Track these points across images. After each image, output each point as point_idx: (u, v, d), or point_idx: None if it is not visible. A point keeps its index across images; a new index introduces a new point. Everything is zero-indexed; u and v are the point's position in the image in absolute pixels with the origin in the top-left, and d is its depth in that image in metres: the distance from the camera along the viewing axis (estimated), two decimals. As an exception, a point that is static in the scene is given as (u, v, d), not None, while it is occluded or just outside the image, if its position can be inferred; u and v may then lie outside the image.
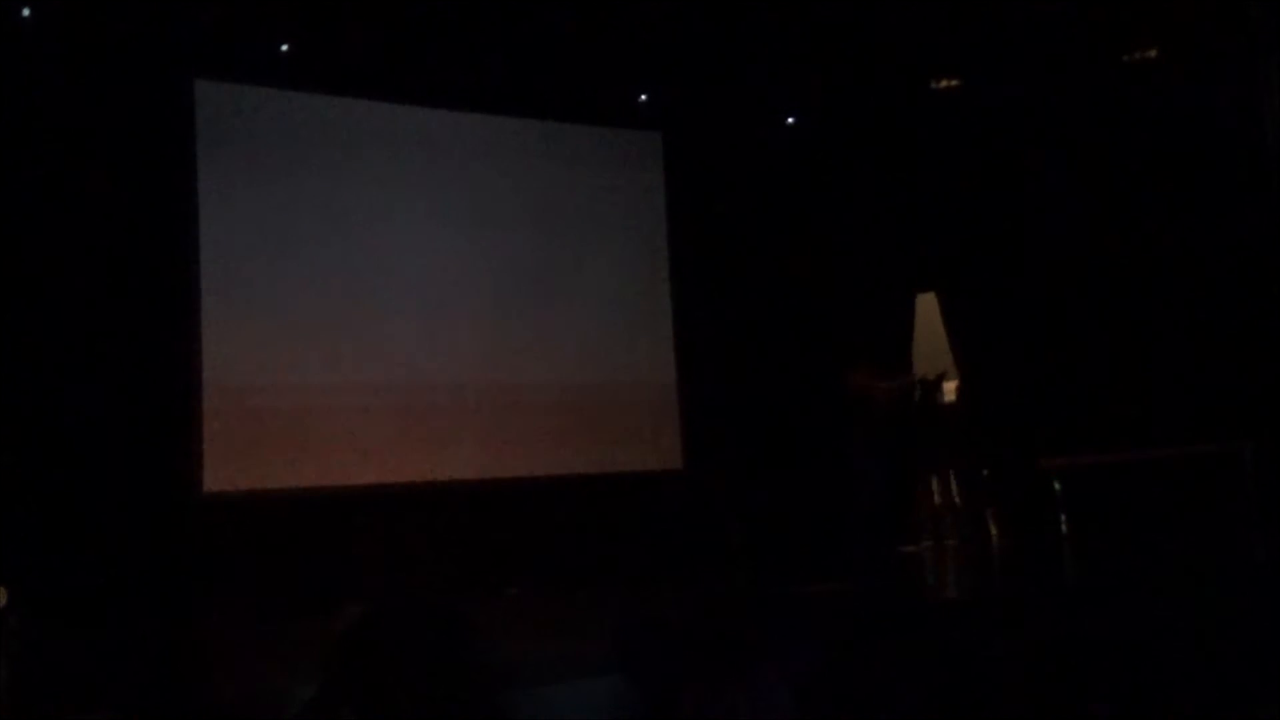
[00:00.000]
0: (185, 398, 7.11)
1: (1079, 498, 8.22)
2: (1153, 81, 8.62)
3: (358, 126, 7.89)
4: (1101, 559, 7.24)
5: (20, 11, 6.75)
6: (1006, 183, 9.01)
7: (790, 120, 9.23)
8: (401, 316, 7.83)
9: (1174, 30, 8.46)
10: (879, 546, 7.13)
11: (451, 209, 8.13)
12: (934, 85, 8.92)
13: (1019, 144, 8.95)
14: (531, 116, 8.46)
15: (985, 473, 8.76)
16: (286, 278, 7.52)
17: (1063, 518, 8.25)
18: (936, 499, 8.70)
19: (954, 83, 8.90)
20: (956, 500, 8.72)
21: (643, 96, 8.76)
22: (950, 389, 9.18)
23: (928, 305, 9.34)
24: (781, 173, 9.14)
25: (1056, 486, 8.27)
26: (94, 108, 6.93)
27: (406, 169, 8.04)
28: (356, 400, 7.62)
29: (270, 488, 7.26)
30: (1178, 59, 8.56)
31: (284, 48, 7.53)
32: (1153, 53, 8.61)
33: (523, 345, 8.21)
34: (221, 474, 7.15)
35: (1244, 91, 8.21)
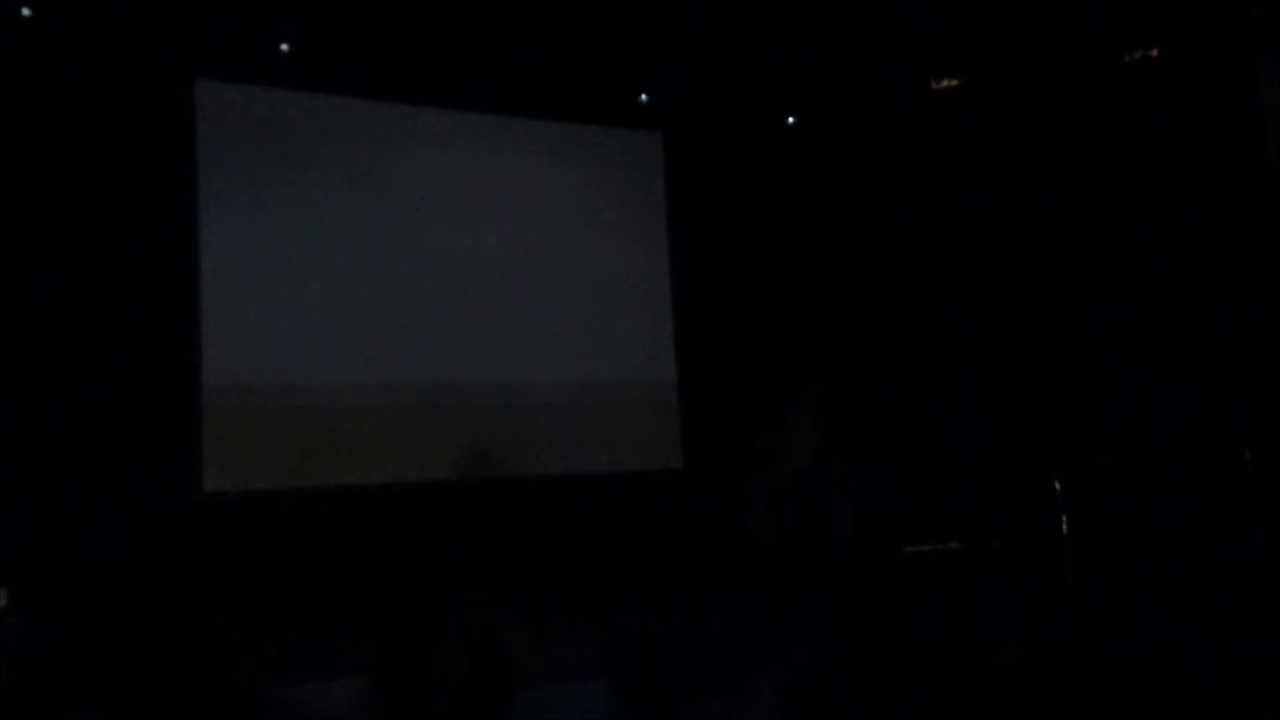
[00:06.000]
0: (185, 398, 7.11)
1: (1079, 498, 8.21)
2: (1153, 81, 8.62)
3: (358, 126, 7.89)
4: (1101, 559, 7.23)
5: (20, 11, 6.76)
6: (1006, 183, 9.00)
7: (790, 120, 9.22)
8: (401, 316, 7.83)
9: (1174, 30, 8.46)
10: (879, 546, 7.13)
11: (451, 209, 8.13)
12: (934, 85, 8.93)
13: (1019, 144, 8.95)
14: (531, 116, 8.46)
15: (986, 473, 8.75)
16: (286, 278, 7.52)
17: (1063, 518, 8.24)
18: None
19: (954, 83, 8.91)
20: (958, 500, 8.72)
21: (643, 96, 8.76)
22: None
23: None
24: (781, 173, 9.14)
25: (1057, 486, 8.26)
26: (94, 108, 6.93)
27: (406, 169, 8.04)
28: (356, 400, 7.62)
29: (270, 488, 7.26)
30: (1178, 59, 8.56)
31: (284, 48, 7.53)
32: (1153, 53, 8.62)
33: (523, 345, 8.20)
34: (221, 474, 7.15)
35: (1244, 91, 8.21)
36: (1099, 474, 8.10)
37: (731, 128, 8.98)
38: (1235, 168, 8.33)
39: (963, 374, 8.94)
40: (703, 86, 8.70)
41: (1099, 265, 8.82)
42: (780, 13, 7.93)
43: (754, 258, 9.00)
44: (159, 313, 7.09)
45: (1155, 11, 8.27)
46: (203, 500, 7.10)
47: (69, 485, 6.59)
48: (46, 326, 6.70)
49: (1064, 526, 8.20)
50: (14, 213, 6.65)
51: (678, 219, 8.97)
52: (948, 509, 8.57)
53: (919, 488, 8.63)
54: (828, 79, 8.81)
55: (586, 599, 6.71)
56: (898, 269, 9.15)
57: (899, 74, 8.82)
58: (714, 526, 8.20)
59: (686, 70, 8.54)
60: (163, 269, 7.14)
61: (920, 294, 9.19)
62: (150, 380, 6.97)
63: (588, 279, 8.53)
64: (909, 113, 9.01)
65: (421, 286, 7.93)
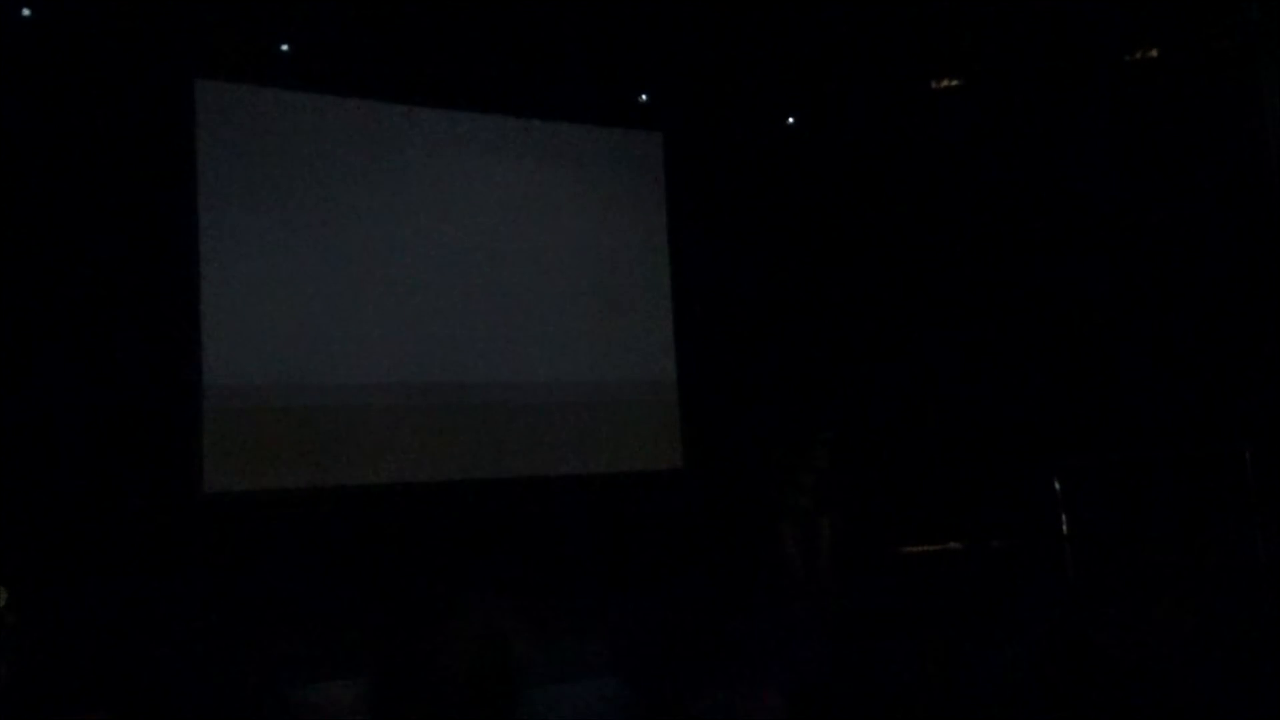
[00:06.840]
0: (185, 398, 7.10)
1: (1079, 498, 8.22)
2: (1153, 81, 8.63)
3: (358, 126, 7.89)
4: (1101, 559, 7.24)
5: (20, 11, 6.76)
6: (1006, 183, 9.00)
7: (790, 120, 9.23)
8: (401, 316, 7.82)
9: (1174, 30, 8.47)
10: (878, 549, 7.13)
11: (451, 209, 8.12)
12: (934, 85, 8.93)
13: (1019, 144, 8.95)
14: (532, 116, 8.46)
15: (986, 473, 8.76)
16: (286, 278, 7.51)
17: (1063, 518, 8.25)
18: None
19: (954, 83, 8.91)
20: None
21: (643, 96, 8.76)
22: None
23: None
24: (781, 173, 9.14)
25: (1057, 486, 8.27)
26: (94, 108, 6.93)
27: (406, 169, 8.03)
28: (356, 400, 7.62)
29: (270, 488, 7.26)
30: (1178, 59, 8.57)
31: (284, 48, 7.53)
32: (1153, 53, 8.62)
33: (523, 345, 8.20)
34: (221, 474, 7.15)
35: (1244, 91, 8.22)
36: (1099, 474, 8.11)
37: (731, 128, 8.98)
38: (1235, 168, 8.34)
39: (962, 374, 8.95)
40: (703, 86, 8.70)
41: (1099, 265, 8.83)
42: (780, 13, 7.93)
43: (753, 258, 8.99)
44: (159, 313, 7.09)
45: (1155, 11, 8.27)
46: (203, 500, 7.09)
47: (70, 485, 6.59)
48: (47, 327, 6.70)
49: (1064, 526, 8.21)
50: (14, 212, 6.65)
51: (678, 219, 8.97)
52: (948, 509, 8.58)
53: (919, 488, 8.64)
54: (828, 79, 8.81)
55: (587, 598, 6.71)
56: (897, 268, 9.16)
57: (899, 74, 8.82)
58: (714, 526, 8.21)
59: (686, 70, 8.54)
60: (163, 269, 7.14)
61: (920, 294, 9.20)
62: (150, 380, 6.97)
63: (588, 279, 8.53)
64: (909, 113, 9.01)
65: (421, 286, 7.92)
